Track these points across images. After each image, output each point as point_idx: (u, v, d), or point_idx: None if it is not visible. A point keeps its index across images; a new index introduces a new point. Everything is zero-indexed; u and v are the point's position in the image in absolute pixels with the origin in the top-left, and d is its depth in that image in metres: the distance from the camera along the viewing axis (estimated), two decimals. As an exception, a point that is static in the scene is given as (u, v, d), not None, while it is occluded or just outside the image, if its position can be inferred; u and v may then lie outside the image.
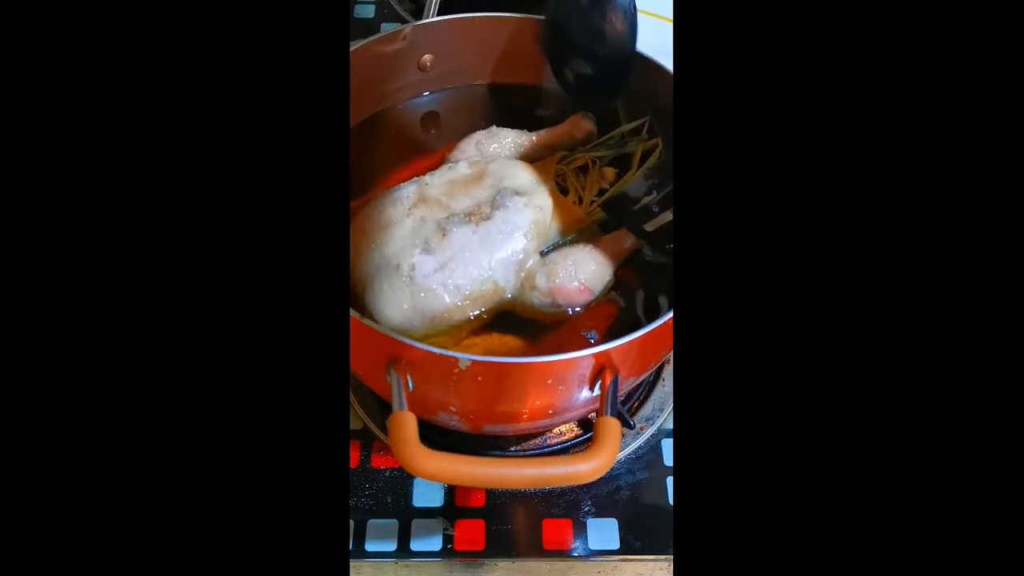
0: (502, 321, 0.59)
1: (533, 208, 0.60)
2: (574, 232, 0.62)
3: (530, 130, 0.68)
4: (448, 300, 0.57)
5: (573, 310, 0.59)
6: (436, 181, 0.61)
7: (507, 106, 0.72)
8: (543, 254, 0.60)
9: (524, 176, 0.62)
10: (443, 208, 0.59)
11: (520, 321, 0.59)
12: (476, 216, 0.59)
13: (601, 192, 0.65)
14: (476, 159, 0.64)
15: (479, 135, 0.67)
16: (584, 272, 0.59)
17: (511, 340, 0.58)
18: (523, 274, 0.59)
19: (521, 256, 0.59)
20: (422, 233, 0.58)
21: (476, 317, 0.58)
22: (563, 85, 0.68)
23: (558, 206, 0.62)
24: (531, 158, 0.67)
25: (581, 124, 0.68)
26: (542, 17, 0.67)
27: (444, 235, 0.58)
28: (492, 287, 0.58)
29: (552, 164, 0.65)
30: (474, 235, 0.58)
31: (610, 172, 0.66)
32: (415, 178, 0.62)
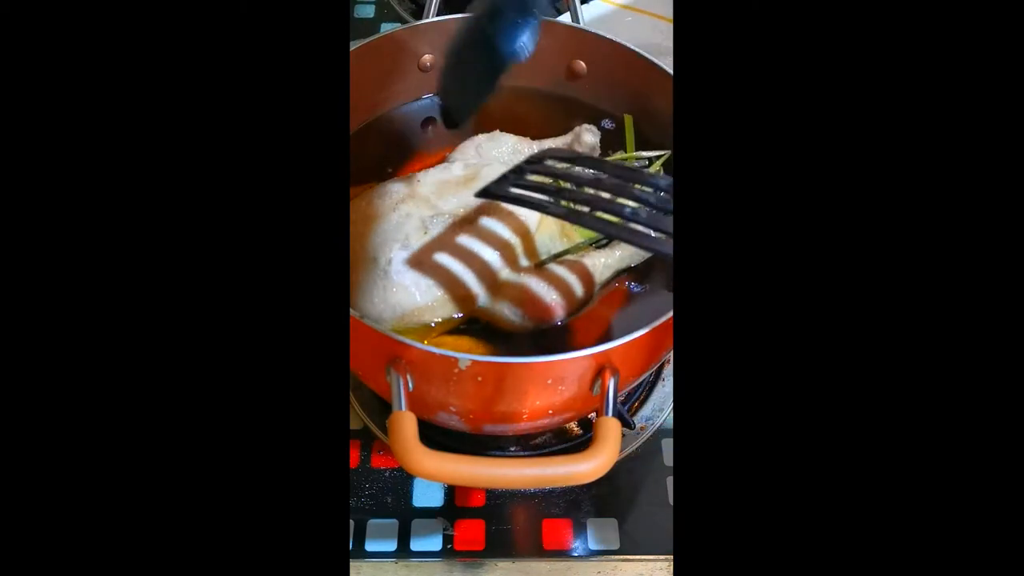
0: (476, 326, 0.58)
1: (519, 218, 0.59)
2: (559, 247, 0.61)
3: (533, 138, 0.67)
4: (419, 299, 0.56)
5: (543, 325, 0.58)
6: (428, 179, 0.61)
7: (510, 110, 0.72)
8: (524, 265, 0.59)
9: None
10: (430, 207, 0.59)
11: (492, 329, 0.58)
12: (460, 219, 0.58)
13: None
14: (472, 162, 0.64)
15: (480, 138, 0.66)
16: (558, 289, 0.57)
17: (481, 346, 0.57)
18: (498, 283, 0.58)
19: (498, 265, 0.58)
20: (404, 229, 0.57)
21: (446, 320, 0.58)
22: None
23: (546, 219, 0.60)
24: None
25: (584, 137, 0.67)
26: None
27: (425, 233, 0.57)
28: (465, 292, 0.57)
29: None
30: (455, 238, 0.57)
31: None
32: (409, 174, 0.62)
